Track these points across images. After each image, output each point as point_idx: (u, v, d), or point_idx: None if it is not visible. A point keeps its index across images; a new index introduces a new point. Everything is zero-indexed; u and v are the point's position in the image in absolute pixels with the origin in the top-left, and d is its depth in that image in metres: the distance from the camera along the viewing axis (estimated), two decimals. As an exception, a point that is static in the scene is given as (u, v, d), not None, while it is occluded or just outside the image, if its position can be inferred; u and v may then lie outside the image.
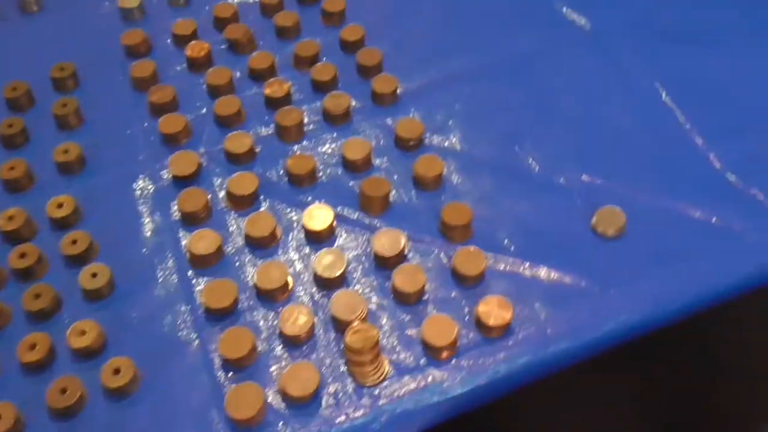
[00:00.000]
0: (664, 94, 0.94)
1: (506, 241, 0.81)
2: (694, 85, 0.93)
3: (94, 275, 0.75)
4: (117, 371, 0.68)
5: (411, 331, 0.74)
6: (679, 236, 0.80)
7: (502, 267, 0.78)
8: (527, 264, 0.78)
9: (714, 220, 0.81)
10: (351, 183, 0.86)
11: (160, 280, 0.78)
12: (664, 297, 0.76)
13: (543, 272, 0.78)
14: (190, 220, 0.82)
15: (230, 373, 0.71)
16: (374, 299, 0.76)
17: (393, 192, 0.84)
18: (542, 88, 0.95)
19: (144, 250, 0.80)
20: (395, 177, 0.87)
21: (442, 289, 0.77)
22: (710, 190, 0.84)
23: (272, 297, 0.76)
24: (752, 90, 0.93)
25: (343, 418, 0.68)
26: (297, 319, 0.73)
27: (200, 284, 0.77)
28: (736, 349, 0.94)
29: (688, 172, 0.86)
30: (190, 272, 0.78)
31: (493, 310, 0.73)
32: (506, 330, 0.73)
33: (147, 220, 0.83)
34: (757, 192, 0.83)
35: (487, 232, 0.81)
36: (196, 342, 0.73)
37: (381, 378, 0.70)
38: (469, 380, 0.71)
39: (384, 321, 0.75)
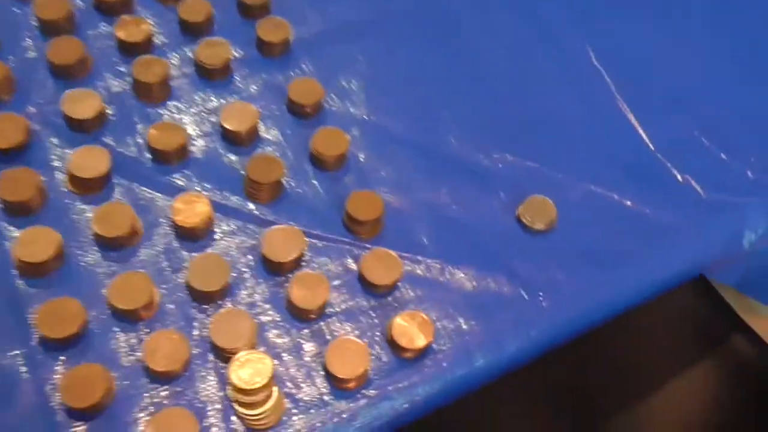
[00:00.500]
0: (594, 59, 0.82)
1: (422, 238, 0.68)
2: (625, 55, 0.83)
3: None
4: None
5: (311, 356, 0.60)
6: (611, 230, 0.71)
7: (418, 271, 0.66)
8: (447, 267, 0.66)
9: (647, 211, 0.72)
10: (233, 160, 0.69)
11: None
12: (596, 300, 0.67)
13: (464, 276, 0.66)
14: (16, 212, 0.62)
15: (78, 425, 0.55)
16: (265, 317, 0.61)
17: (286, 174, 0.68)
18: (465, 50, 0.80)
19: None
20: (288, 154, 0.70)
21: (349, 301, 0.64)
22: (644, 176, 0.75)
23: (133, 317, 0.59)
24: (684, 67, 0.84)
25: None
26: (165, 347, 0.57)
27: (34, 302, 0.58)
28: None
29: (621, 153, 0.76)
30: (20, 284, 0.59)
31: (408, 329, 0.61)
32: (423, 351, 0.61)
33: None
34: (689, 178, 0.75)
35: (400, 227, 0.68)
36: (29, 384, 0.56)
37: (276, 419, 0.57)
38: (380, 412, 0.59)
39: (279, 344, 0.60)
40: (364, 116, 0.74)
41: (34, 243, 0.59)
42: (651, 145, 0.78)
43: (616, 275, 0.69)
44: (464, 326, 0.64)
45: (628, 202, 0.73)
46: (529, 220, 0.69)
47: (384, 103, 0.75)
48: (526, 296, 0.66)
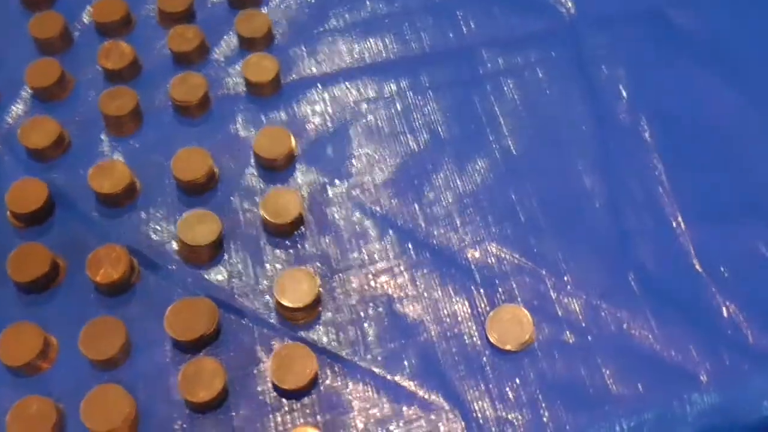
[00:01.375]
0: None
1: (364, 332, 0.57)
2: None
3: None
4: None
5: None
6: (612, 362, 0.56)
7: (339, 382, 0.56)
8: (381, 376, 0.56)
9: (664, 351, 0.56)
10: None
11: None
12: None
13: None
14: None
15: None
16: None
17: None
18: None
19: None
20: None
21: (249, 396, 0.55)
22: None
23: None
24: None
25: None
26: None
27: None
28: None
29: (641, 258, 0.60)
30: None
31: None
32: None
33: None
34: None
35: (339, 314, 0.58)
36: None
37: None
38: None
39: None
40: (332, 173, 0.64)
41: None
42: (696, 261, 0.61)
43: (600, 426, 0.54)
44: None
45: (636, 332, 0.57)
46: (496, 336, 0.57)
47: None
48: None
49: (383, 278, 0.61)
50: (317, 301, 0.58)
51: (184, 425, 0.55)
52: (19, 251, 0.59)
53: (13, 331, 0.56)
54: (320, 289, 0.58)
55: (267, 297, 0.59)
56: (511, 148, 0.67)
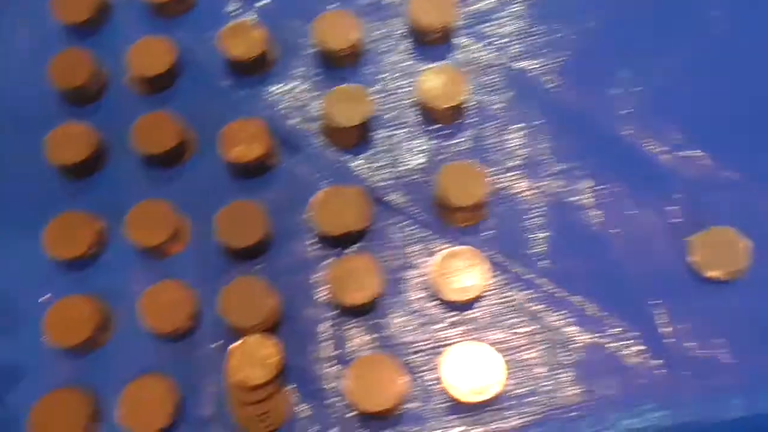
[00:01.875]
0: None
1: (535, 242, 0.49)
2: None
3: None
4: None
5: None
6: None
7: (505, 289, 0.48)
8: (556, 293, 0.48)
9: None
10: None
11: None
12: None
13: (572, 316, 0.48)
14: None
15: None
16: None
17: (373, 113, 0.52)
18: None
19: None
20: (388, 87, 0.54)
21: (409, 304, 0.48)
22: None
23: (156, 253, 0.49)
24: None
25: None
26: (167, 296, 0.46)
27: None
28: None
29: None
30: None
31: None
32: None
33: None
34: None
35: (508, 221, 0.50)
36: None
37: (272, 425, 0.45)
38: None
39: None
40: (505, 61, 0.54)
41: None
42: None
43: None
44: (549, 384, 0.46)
45: None
46: (701, 260, 0.48)
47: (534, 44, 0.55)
48: (664, 370, 0.46)
49: (561, 181, 0.51)
50: (484, 202, 0.49)
51: (330, 328, 0.48)
52: (145, 120, 0.52)
53: (143, 209, 0.49)
54: (488, 188, 0.49)
55: (426, 192, 0.51)
56: (725, 33, 0.55)
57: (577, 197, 0.51)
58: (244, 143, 0.51)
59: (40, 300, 0.49)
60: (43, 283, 0.49)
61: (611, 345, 0.47)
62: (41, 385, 0.47)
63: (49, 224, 0.49)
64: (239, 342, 0.45)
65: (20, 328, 0.49)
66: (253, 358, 0.45)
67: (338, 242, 0.50)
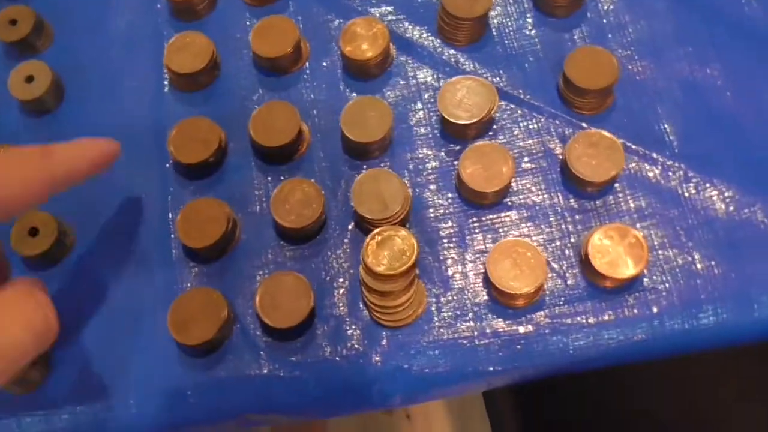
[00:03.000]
0: None
1: (665, 127, 0.48)
2: None
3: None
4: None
5: (474, 253, 0.46)
6: None
7: (646, 173, 0.47)
8: (692, 176, 0.47)
9: None
10: (431, -14, 0.53)
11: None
12: None
13: (716, 195, 0.47)
14: (182, 14, 0.53)
15: (193, 265, 0.47)
16: (426, 191, 0.47)
17: (493, 9, 0.51)
18: None
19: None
20: None
21: (541, 192, 0.47)
22: None
23: (279, 157, 0.49)
24: None
25: (342, 353, 0.44)
26: (296, 197, 0.46)
27: (177, 119, 0.50)
28: None
29: None
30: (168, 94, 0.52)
31: (612, 248, 0.43)
32: (627, 283, 0.44)
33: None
34: None
35: (636, 106, 0.49)
36: (156, 210, 0.49)
37: (409, 319, 0.44)
38: (544, 348, 0.44)
39: (434, 228, 0.47)
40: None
41: (184, 50, 0.50)
42: None
43: None
44: (698, 265, 0.44)
45: None
46: None
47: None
48: (808, 243, 0.44)
49: (688, 64, 0.49)
50: (612, 87, 0.47)
51: (458, 220, 0.47)
52: (263, 24, 0.51)
53: (266, 111, 0.49)
54: (618, 71, 0.47)
55: (550, 82, 0.49)
56: None
57: (706, 80, 0.49)
58: (366, 42, 0.50)
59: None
60: (168, 187, 0.49)
61: (752, 223, 0.45)
62: (174, 286, 0.47)
63: (173, 130, 0.49)
64: (375, 233, 0.44)
65: (150, 231, 0.48)
66: (393, 250, 0.44)
67: (461, 135, 0.49)
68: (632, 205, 0.46)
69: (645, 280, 0.44)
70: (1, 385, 0.34)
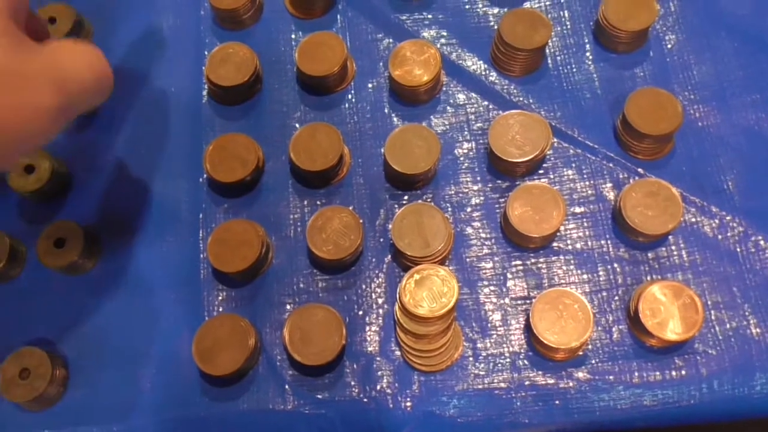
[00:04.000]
0: None
1: (726, 179, 0.46)
2: None
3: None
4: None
5: (516, 299, 0.44)
6: None
7: (703, 227, 0.44)
8: (753, 234, 0.45)
9: None
10: (487, 13, 0.50)
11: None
12: None
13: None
14: (226, 23, 0.51)
15: (221, 288, 0.45)
16: (470, 228, 0.45)
17: (552, 44, 0.48)
18: None
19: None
20: (564, 15, 0.50)
21: (590, 239, 0.45)
22: None
23: (317, 182, 0.47)
24: None
25: (367, 394, 0.42)
26: (333, 226, 0.44)
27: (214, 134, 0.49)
28: None
29: None
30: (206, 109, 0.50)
31: (665, 307, 0.41)
32: (677, 344, 0.41)
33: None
34: None
35: (698, 155, 0.47)
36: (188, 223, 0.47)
37: (444, 364, 0.42)
38: (583, 405, 0.41)
39: (476, 268, 0.44)
40: (692, -19, 0.50)
41: (227, 62, 0.49)
42: None
43: None
44: (754, 330, 0.42)
45: None
46: None
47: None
48: None
49: (754, 113, 0.47)
50: (673, 133, 0.45)
51: (500, 264, 0.45)
52: (310, 41, 0.49)
53: (306, 134, 0.47)
54: (681, 116, 0.45)
55: (607, 123, 0.47)
56: None
57: (774, 131, 0.46)
58: (414, 65, 0.48)
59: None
60: (201, 205, 0.48)
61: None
62: (200, 309, 0.45)
63: (210, 146, 0.47)
64: (414, 271, 0.42)
65: (179, 248, 0.47)
66: (432, 290, 0.42)
67: (511, 173, 0.46)
68: (686, 259, 0.44)
69: (696, 342, 0.42)
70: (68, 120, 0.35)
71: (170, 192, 0.48)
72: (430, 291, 0.42)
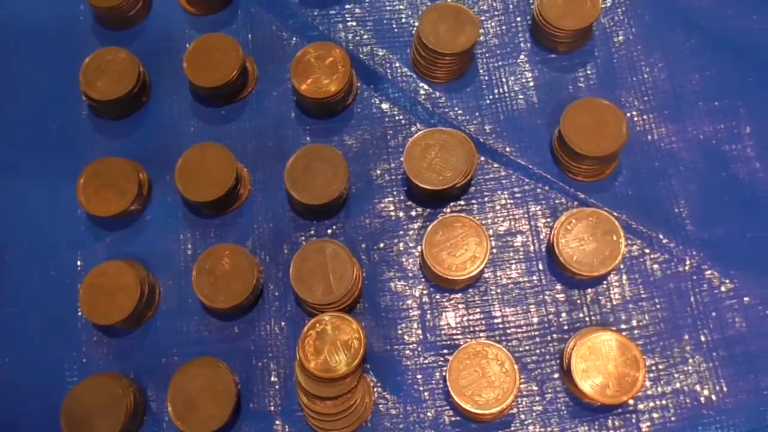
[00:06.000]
0: None
1: (680, 209, 0.39)
2: None
3: None
4: None
5: (435, 355, 0.38)
6: None
7: (650, 264, 0.38)
8: (708, 270, 0.38)
9: None
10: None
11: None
12: None
13: (735, 300, 0.38)
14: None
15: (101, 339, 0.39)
16: (393, 271, 0.39)
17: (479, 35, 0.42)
18: None
19: None
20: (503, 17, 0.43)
21: (522, 275, 0.39)
22: None
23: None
24: None
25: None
26: (223, 266, 0.38)
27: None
28: None
29: None
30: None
31: (601, 364, 0.35)
32: (616, 406, 0.36)
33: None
34: None
35: (644, 176, 0.40)
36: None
37: (354, 424, 0.37)
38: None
39: (393, 311, 0.39)
40: None
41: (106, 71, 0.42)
42: None
43: None
44: (703, 391, 0.36)
45: None
46: None
47: None
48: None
49: (713, 124, 0.40)
50: (618, 150, 0.39)
51: (421, 304, 0.39)
52: (201, 44, 0.42)
53: (194, 156, 0.40)
54: (626, 133, 0.38)
55: (543, 138, 0.41)
56: None
57: (734, 144, 0.40)
58: (321, 73, 0.41)
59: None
60: (79, 241, 0.41)
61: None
62: (81, 363, 0.39)
63: (82, 176, 0.40)
64: (315, 321, 0.36)
65: (54, 294, 0.40)
66: (335, 345, 0.36)
67: (432, 199, 0.40)
68: (629, 298, 0.38)
69: (641, 407, 0.37)
70: None
71: (45, 225, 0.41)
72: (333, 346, 0.36)
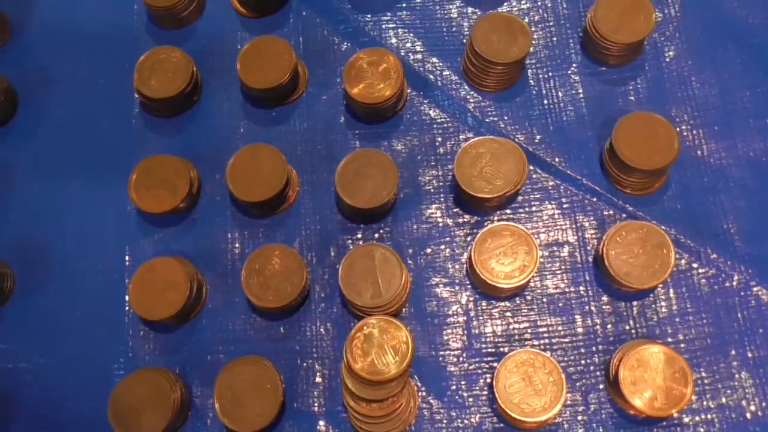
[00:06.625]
0: None
1: (728, 224, 0.39)
2: None
3: None
4: None
5: (481, 359, 0.38)
6: None
7: (698, 279, 0.38)
8: (759, 287, 0.38)
9: None
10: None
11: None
12: None
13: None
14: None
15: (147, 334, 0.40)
16: (436, 276, 0.39)
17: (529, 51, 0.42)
18: None
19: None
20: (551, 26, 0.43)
21: (569, 285, 0.39)
22: None
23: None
24: None
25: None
26: (273, 266, 0.38)
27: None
28: None
29: None
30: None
31: (650, 376, 0.35)
32: (662, 419, 0.36)
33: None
34: None
35: (695, 192, 0.40)
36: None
37: (398, 428, 0.37)
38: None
39: (438, 315, 0.39)
40: None
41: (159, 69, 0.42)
42: None
43: None
44: (750, 407, 0.36)
45: None
46: None
47: None
48: None
49: (764, 140, 0.40)
50: (668, 165, 0.39)
51: (466, 311, 0.39)
52: (254, 46, 0.43)
53: (246, 155, 0.40)
54: (677, 147, 0.38)
55: (592, 150, 0.41)
56: None
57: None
58: (374, 78, 0.41)
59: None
60: (128, 237, 0.41)
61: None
62: (127, 357, 0.39)
63: (135, 172, 0.41)
64: (363, 324, 0.36)
65: (100, 288, 0.41)
66: (383, 348, 0.36)
67: (479, 207, 0.40)
68: (676, 312, 0.38)
69: (686, 419, 0.37)
70: None
71: (94, 221, 0.42)
72: (381, 349, 0.36)
